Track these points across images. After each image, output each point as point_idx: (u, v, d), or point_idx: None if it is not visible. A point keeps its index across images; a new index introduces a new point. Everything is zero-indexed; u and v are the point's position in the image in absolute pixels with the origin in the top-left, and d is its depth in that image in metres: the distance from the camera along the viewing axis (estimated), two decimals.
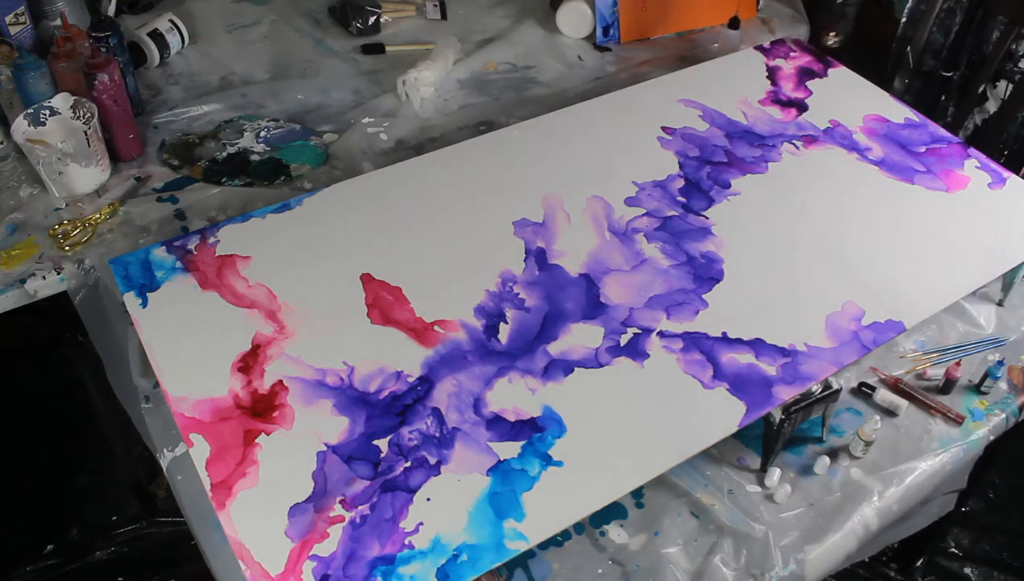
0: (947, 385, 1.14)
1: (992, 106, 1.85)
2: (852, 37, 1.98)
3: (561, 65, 1.67)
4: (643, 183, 1.30)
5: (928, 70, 1.92)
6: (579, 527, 1.00)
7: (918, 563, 1.78)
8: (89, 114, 1.31)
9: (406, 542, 0.87)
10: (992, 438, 1.13)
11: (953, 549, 1.82)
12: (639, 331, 1.08)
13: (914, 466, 1.07)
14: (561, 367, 1.04)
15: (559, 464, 0.94)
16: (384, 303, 1.10)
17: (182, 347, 1.04)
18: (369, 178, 1.29)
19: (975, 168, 1.36)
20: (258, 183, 1.38)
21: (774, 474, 1.03)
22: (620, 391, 1.02)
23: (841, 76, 1.54)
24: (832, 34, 1.43)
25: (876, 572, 1.78)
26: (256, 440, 0.95)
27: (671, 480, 1.03)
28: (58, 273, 1.22)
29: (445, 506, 0.90)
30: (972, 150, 1.39)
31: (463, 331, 1.07)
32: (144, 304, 1.09)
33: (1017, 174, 1.35)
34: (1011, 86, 1.77)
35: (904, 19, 1.85)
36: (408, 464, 0.93)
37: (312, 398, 0.99)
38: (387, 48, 1.69)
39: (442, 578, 0.85)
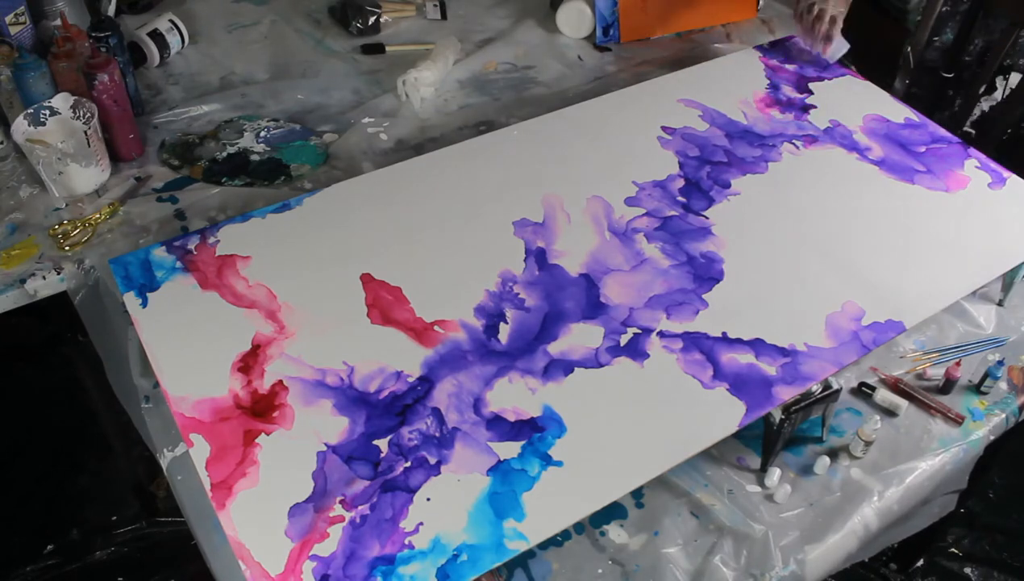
0: (947, 385, 1.14)
1: (997, 96, 1.86)
2: (852, 37, 1.99)
3: (561, 65, 1.67)
4: (643, 183, 1.30)
5: (929, 70, 1.93)
6: (579, 527, 1.00)
7: (918, 563, 1.78)
8: (89, 114, 1.31)
9: (406, 542, 0.87)
10: (992, 438, 1.13)
11: (953, 549, 1.82)
12: (639, 331, 1.08)
13: (914, 466, 1.07)
14: (561, 367, 1.04)
15: (559, 464, 0.94)
16: (384, 303, 1.10)
17: (182, 347, 1.04)
18: (369, 178, 1.29)
19: (975, 168, 1.36)
20: (258, 183, 1.38)
21: (774, 474, 1.03)
22: (620, 391, 1.02)
23: (841, 76, 1.54)
24: None
25: (876, 572, 1.78)
26: (256, 440, 0.95)
27: (671, 480, 1.03)
28: (58, 273, 1.22)
29: (445, 506, 0.90)
30: (972, 150, 1.39)
31: (463, 331, 1.07)
32: (144, 304, 1.09)
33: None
34: (1015, 80, 1.78)
35: (912, 26, 1.85)
36: (408, 464, 0.93)
37: (312, 398, 0.99)
38: (387, 48, 1.69)
39: (442, 578, 0.85)
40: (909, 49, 1.90)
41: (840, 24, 1.51)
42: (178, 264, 1.14)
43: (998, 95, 1.94)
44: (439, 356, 1.04)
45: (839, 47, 1.55)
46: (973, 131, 1.98)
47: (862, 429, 1.05)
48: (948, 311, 1.23)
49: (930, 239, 1.23)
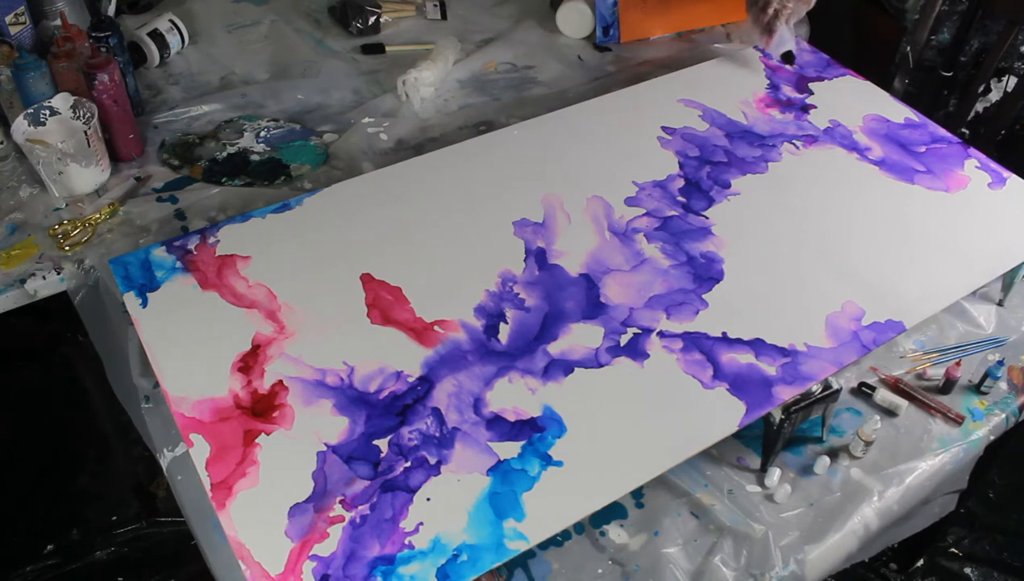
0: (947, 385, 1.14)
1: (994, 97, 1.86)
2: (852, 37, 1.99)
3: (561, 65, 1.67)
4: (643, 183, 1.30)
5: (926, 69, 1.93)
6: (579, 527, 1.00)
7: (918, 563, 1.79)
8: (89, 114, 1.31)
9: (406, 542, 0.87)
10: (992, 438, 1.13)
11: (953, 549, 1.82)
12: (639, 331, 1.08)
13: (914, 466, 1.07)
14: (561, 367, 1.04)
15: (559, 464, 0.94)
16: (384, 303, 1.10)
17: (182, 347, 1.04)
18: (369, 178, 1.29)
19: (975, 168, 1.36)
20: (258, 183, 1.38)
21: (774, 474, 1.03)
22: (620, 391, 1.02)
23: (841, 76, 1.54)
24: None
25: (876, 572, 1.78)
26: (256, 440, 0.95)
27: (671, 480, 1.03)
28: (58, 273, 1.22)
29: (445, 506, 0.90)
30: (972, 150, 1.39)
31: (463, 331, 1.07)
32: (144, 304, 1.09)
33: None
34: (1012, 80, 1.78)
35: (910, 25, 1.85)
36: (408, 464, 0.93)
37: (312, 398, 0.99)
38: (387, 48, 1.69)
39: (442, 578, 0.85)
40: (908, 48, 1.90)
41: (784, 19, 1.47)
42: (178, 264, 1.14)
43: (993, 97, 1.95)
44: (439, 356, 1.04)
45: (782, 41, 1.52)
46: (967, 132, 1.98)
47: (862, 429, 1.05)
48: (948, 311, 1.23)
49: (930, 239, 1.23)
